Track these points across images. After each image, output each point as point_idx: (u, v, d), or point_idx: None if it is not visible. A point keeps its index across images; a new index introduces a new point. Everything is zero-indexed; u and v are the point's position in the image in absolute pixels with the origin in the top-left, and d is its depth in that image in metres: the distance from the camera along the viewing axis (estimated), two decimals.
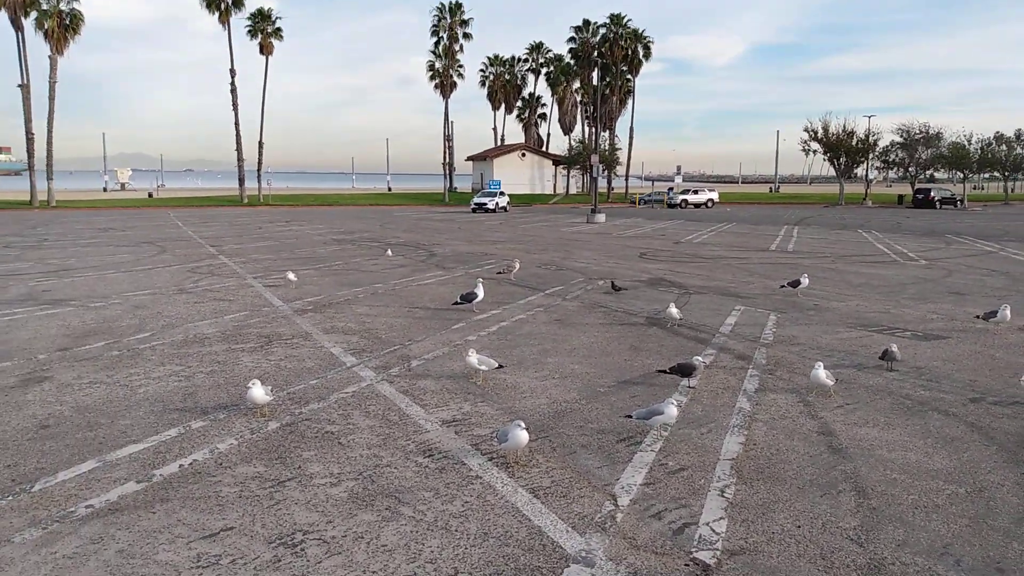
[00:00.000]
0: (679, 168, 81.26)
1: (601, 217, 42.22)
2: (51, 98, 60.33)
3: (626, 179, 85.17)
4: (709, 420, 7.20)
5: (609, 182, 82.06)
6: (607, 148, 77.56)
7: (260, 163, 71.99)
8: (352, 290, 15.71)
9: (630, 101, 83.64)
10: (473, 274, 18.27)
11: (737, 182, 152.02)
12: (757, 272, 19.15)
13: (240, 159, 69.48)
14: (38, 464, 5.87)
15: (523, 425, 5.84)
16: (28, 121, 60.80)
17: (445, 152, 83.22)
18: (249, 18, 67.15)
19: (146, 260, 21.79)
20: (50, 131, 60.89)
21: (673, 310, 11.95)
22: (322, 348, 10.17)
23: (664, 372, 8.46)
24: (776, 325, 12.09)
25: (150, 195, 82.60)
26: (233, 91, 66.97)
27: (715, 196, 66.80)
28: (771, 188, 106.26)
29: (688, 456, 6.24)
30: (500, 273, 17.64)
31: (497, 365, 8.37)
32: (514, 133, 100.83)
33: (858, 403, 7.74)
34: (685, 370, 8.27)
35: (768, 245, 27.00)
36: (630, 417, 6.71)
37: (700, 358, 8.37)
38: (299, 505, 5.17)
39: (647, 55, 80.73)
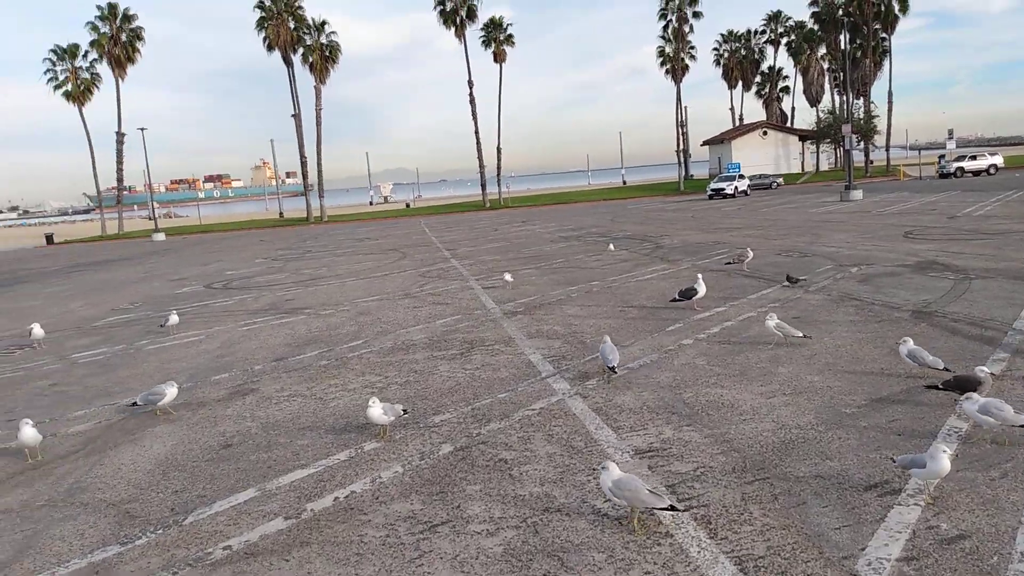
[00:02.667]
0: (951, 132, 70.50)
1: (857, 194, 37.59)
2: (318, 123, 67.18)
3: (886, 149, 75.85)
4: (1003, 459, 5.24)
5: (867, 155, 73.67)
6: (861, 117, 69.67)
7: (499, 168, 74.54)
8: (567, 289, 14.89)
9: (886, 63, 74.19)
10: (700, 267, 16.61)
11: None
12: None
13: (481, 165, 72.43)
14: (204, 491, 5.64)
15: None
16: (301, 147, 68.40)
17: (679, 139, 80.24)
18: (482, 29, 69.66)
19: (387, 266, 22.82)
20: (319, 154, 67.91)
21: (771, 322, 8.72)
22: (521, 355, 9.39)
23: (936, 388, 6.49)
24: None
25: (407, 205, 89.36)
26: (472, 101, 69.88)
27: (998, 161, 56.48)
28: None
29: (972, 515, 4.45)
30: (730, 263, 15.81)
31: (403, 411, 6.56)
32: (753, 112, 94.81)
33: None
34: (964, 385, 6.26)
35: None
36: (893, 461, 5.02)
37: (985, 369, 6.29)
38: (444, 560, 4.30)
39: (904, 8, 70.81)
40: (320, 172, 69.21)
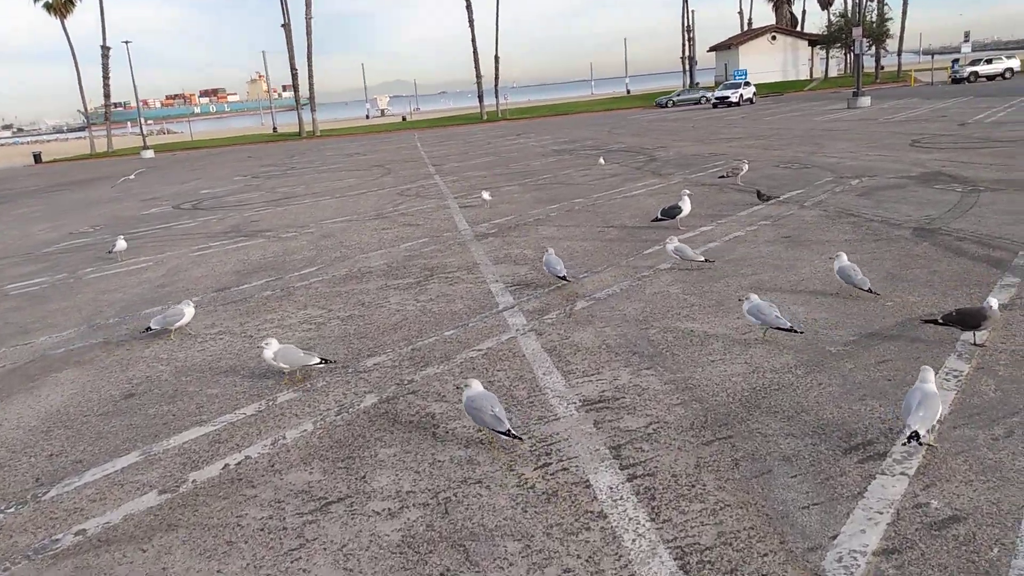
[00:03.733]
0: (967, 35, 67.24)
1: (865, 100, 35.87)
2: (308, 33, 64.31)
3: (898, 55, 72.68)
4: (1009, 412, 4.44)
5: (877, 60, 70.70)
6: (873, 20, 66.46)
7: (496, 79, 71.84)
8: (547, 207, 13.92)
9: None
10: (693, 181, 15.56)
11: None
12: None
13: (478, 76, 69.76)
14: (82, 454, 4.90)
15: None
16: (291, 58, 65.71)
17: (684, 45, 76.99)
18: None
19: (367, 184, 21.77)
20: (310, 66, 65.38)
21: (670, 245, 8.27)
22: (482, 284, 8.54)
23: (934, 322, 5.64)
24: None
25: (404, 119, 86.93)
26: (468, 7, 66.69)
27: (1014, 64, 53.81)
28: None
29: (969, 488, 3.68)
30: (723, 177, 14.76)
31: (319, 360, 5.75)
32: (762, 16, 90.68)
33: None
34: (967, 319, 5.42)
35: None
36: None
37: (993, 300, 5.43)
38: (327, 553, 3.56)
39: None
40: (311, 85, 66.81)
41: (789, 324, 5.75)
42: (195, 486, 4.30)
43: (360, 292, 8.68)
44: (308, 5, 63.03)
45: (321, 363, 5.75)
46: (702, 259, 8.33)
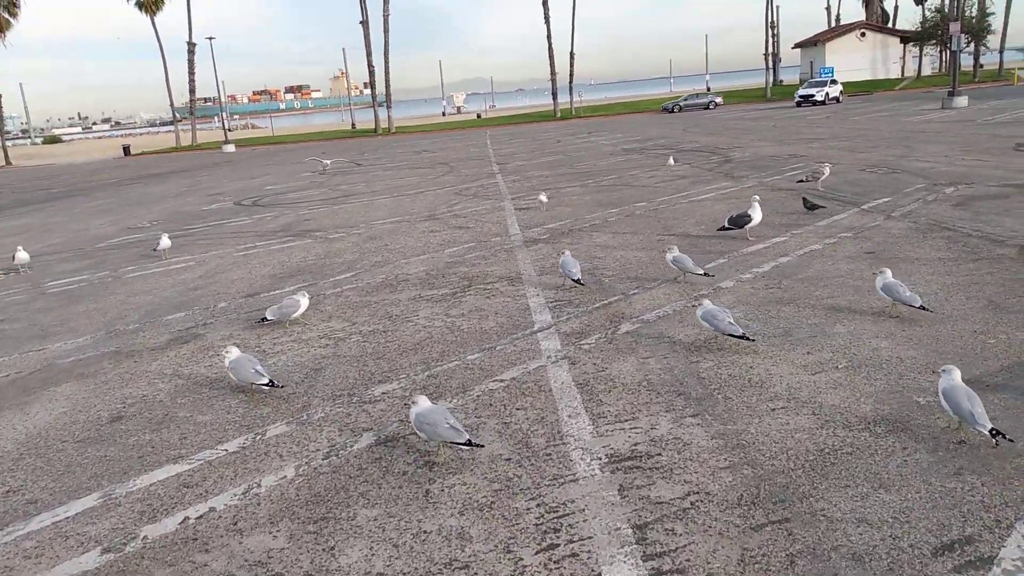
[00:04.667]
0: None
1: (962, 100, 33.38)
2: (385, 31, 64.72)
3: (1000, 51, 67.94)
4: None
5: (976, 58, 66.25)
6: (973, 15, 62.31)
7: (571, 75, 70.82)
8: (606, 211, 13.04)
9: None
10: (768, 184, 14.40)
11: None
12: None
13: (553, 73, 68.92)
14: (41, 492, 4.37)
15: None
16: (369, 55, 66.34)
17: (768, 42, 74.04)
18: None
19: (427, 182, 21.30)
20: (386, 62, 65.80)
21: (670, 255, 7.84)
22: (521, 299, 7.78)
23: None
24: None
25: (478, 116, 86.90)
26: (545, 4, 65.91)
27: None
28: None
29: None
30: (802, 181, 13.54)
31: (267, 382, 5.29)
32: (851, 12, 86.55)
33: None
34: None
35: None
36: None
37: None
38: None
39: None
40: (388, 82, 67.29)
41: (741, 331, 5.55)
42: (143, 545, 3.68)
43: (390, 303, 8.04)
44: (386, 2, 63.38)
45: (268, 386, 5.29)
46: (702, 272, 7.70)
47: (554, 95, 69.66)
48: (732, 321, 5.62)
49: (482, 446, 4.23)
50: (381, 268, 9.91)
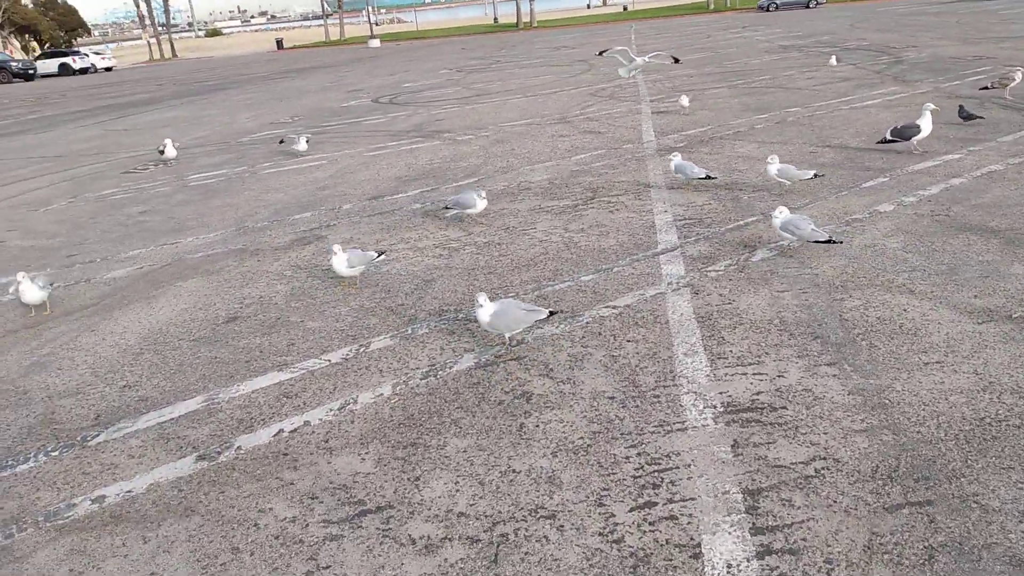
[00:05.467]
0: None
1: None
2: None
3: None
4: None
5: None
6: None
7: None
8: (754, 117, 11.96)
9: None
10: (945, 91, 12.68)
11: None
12: None
13: None
14: (153, 390, 4.50)
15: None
16: None
17: None
18: None
19: (563, 81, 20.53)
20: None
21: (773, 167, 7.22)
22: (646, 215, 7.25)
23: None
24: None
25: (625, 8, 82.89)
26: None
27: None
28: None
29: None
30: (987, 88, 11.76)
31: (377, 254, 5.75)
32: None
33: None
34: None
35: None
36: None
37: None
38: None
39: None
40: None
41: (827, 236, 5.36)
42: (236, 455, 3.70)
43: (510, 213, 7.73)
44: None
45: (380, 256, 5.76)
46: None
47: None
48: (815, 228, 5.45)
49: (559, 312, 4.50)
50: (504, 175, 9.57)
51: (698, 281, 5.46)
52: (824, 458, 3.33)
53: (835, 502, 3.05)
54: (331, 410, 4.06)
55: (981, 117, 9.63)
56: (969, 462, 3.23)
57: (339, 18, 75.89)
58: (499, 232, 7.11)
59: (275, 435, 3.86)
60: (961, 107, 9.71)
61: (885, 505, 3.01)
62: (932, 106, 8.36)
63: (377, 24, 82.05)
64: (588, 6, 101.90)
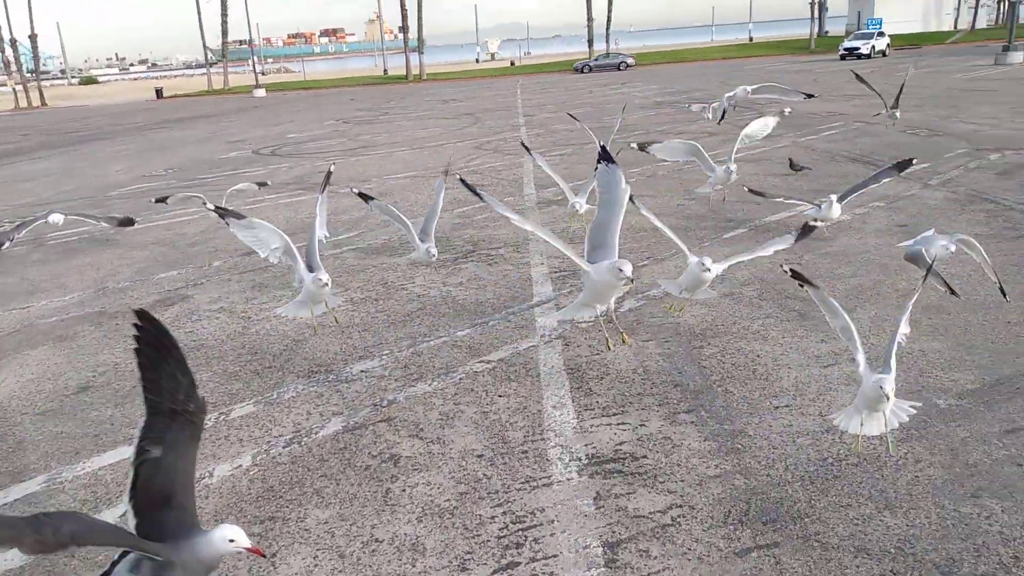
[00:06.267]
0: None
1: (1017, 56, 31.63)
2: None
3: None
4: None
5: None
6: None
7: (608, 22, 68.79)
8: (628, 171, 12.40)
9: None
10: (803, 144, 13.67)
11: None
12: None
13: (589, 19, 67.12)
14: None
15: None
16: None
17: None
18: None
19: (450, 134, 20.77)
20: (419, 6, 64.49)
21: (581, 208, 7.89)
22: (524, 267, 7.39)
23: None
24: None
25: (512, 63, 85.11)
26: None
27: None
28: None
29: None
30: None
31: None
32: None
33: None
34: None
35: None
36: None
37: None
38: None
39: None
40: (420, 26, 66.16)
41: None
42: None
43: (389, 268, 7.70)
44: None
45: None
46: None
47: (590, 43, 67.79)
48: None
49: None
50: (385, 228, 9.54)
51: (569, 332, 5.58)
52: (680, 506, 3.44)
53: (689, 550, 3.14)
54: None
55: (808, 168, 10.52)
56: (812, 502, 3.40)
57: (223, 67, 74.24)
58: (376, 287, 7.05)
59: (121, 516, 3.62)
60: (790, 160, 10.56)
61: (736, 550, 3.12)
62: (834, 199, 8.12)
63: (263, 73, 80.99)
64: (477, 60, 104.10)
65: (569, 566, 3.08)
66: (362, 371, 5.14)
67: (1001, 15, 69.14)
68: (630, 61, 57.30)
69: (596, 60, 58.66)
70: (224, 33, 71.58)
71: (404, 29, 68.46)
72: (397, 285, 7.09)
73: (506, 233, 8.81)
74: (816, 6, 70.69)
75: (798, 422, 4.11)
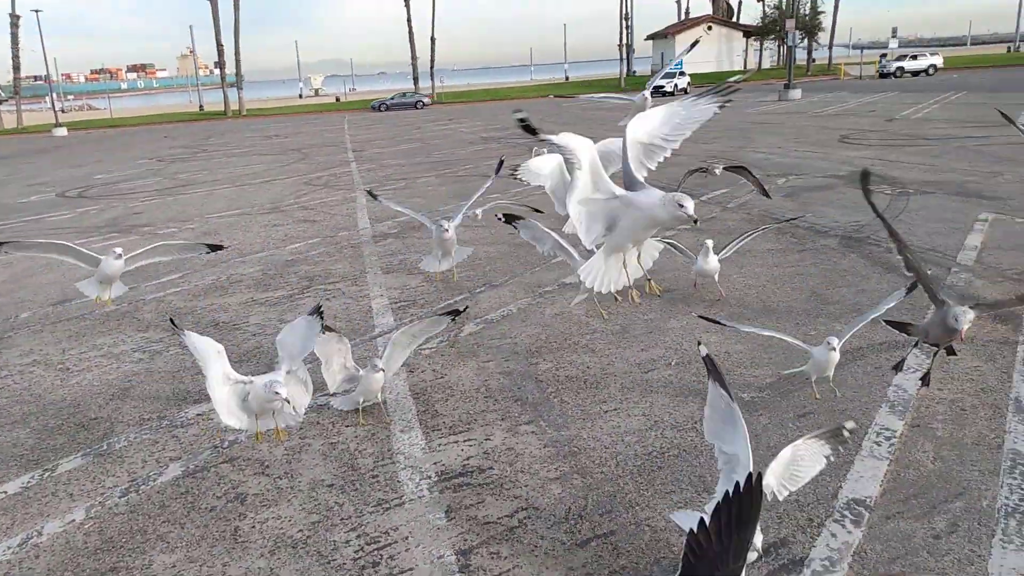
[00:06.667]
0: (894, 31, 68.61)
1: (796, 93, 35.82)
2: (236, 7, 61.46)
3: (830, 48, 73.73)
4: (953, 493, 3.61)
5: (809, 53, 71.47)
6: (807, 12, 67.06)
7: (432, 60, 70.03)
8: (461, 202, 12.82)
9: None
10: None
11: (965, 44, 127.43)
12: (1007, 158, 13.79)
13: (414, 57, 68.09)
14: None
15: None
16: (217, 33, 62.89)
17: (622, 32, 76.66)
18: None
19: (276, 170, 20.29)
20: (237, 41, 62.48)
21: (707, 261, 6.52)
22: (363, 300, 7.45)
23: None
24: None
25: (337, 99, 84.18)
26: None
27: (938, 61, 55.09)
28: (1009, 48, 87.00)
29: None
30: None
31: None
32: (700, 5, 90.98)
33: None
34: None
35: (1016, 117, 20.35)
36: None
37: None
38: None
39: None
40: (238, 61, 64.06)
41: None
42: None
43: (219, 308, 7.47)
44: None
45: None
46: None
47: (415, 80, 68.70)
48: None
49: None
50: (212, 268, 9.23)
51: (412, 359, 5.72)
52: (526, 508, 3.68)
53: (536, 547, 3.38)
54: (9, 549, 3.59)
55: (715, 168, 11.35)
56: (641, 492, 3.77)
57: (16, 104, 67.69)
58: (208, 329, 6.83)
59: None
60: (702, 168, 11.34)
61: (577, 541, 3.40)
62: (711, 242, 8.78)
63: (63, 111, 74.80)
64: (300, 96, 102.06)
65: None
66: (198, 415, 5.00)
67: (782, 57, 77.83)
68: (426, 100, 58.86)
69: (392, 99, 59.59)
70: (16, 68, 65.60)
71: (220, 64, 66.07)
72: (231, 325, 6.91)
73: (343, 268, 8.83)
74: (624, 47, 76.18)
75: (625, 423, 4.51)
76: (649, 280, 4.33)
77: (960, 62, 65.00)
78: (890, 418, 4.40)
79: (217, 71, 72.67)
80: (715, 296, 6.78)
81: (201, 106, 76.91)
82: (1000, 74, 47.05)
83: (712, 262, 6.59)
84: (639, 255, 4.08)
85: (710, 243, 6.61)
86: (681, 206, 3.67)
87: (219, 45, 63.53)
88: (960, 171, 12.78)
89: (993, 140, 16.29)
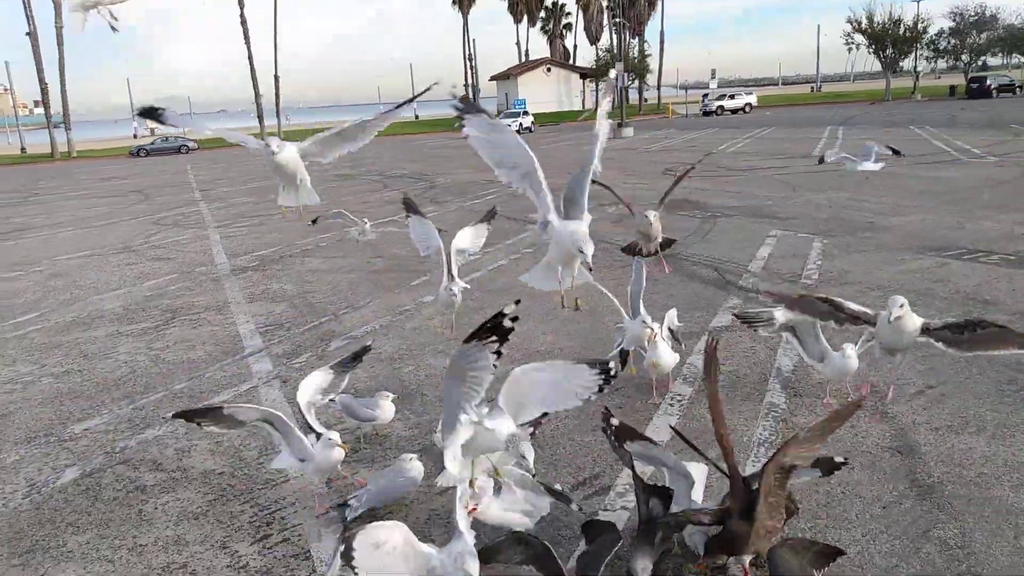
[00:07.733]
0: (714, 73, 75.68)
1: (629, 131, 38.95)
2: (59, 44, 58.24)
3: (658, 88, 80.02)
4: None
5: (640, 93, 77.21)
6: (635, 56, 72.54)
7: (277, 98, 69.12)
8: (318, 236, 13.39)
9: (660, 3, 77.90)
10: (467, 208, 15.79)
11: (777, 84, 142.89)
12: (799, 184, 16.17)
13: (257, 95, 66.97)
14: None
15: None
16: (40, 71, 59.00)
17: (467, 73, 79.32)
18: None
19: (120, 212, 19.81)
20: (62, 80, 59.05)
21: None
22: (230, 326, 7.92)
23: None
24: (822, 255, 9.46)
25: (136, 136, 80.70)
26: (243, 23, 63.88)
27: (753, 100, 61.78)
28: (812, 88, 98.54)
29: None
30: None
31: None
32: (540, 49, 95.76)
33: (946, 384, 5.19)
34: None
35: (810, 150, 23.59)
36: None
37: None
38: None
39: None
40: (65, 101, 60.41)
41: None
42: None
43: (85, 341, 7.70)
44: (58, 12, 56.87)
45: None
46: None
47: (260, 118, 67.53)
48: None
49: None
50: (71, 306, 9.31)
51: (285, 372, 6.35)
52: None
53: (413, 499, 4.16)
54: None
55: (497, 213, 12.42)
56: None
57: None
58: (77, 359, 7.09)
59: None
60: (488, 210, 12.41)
61: (431, 495, 4.21)
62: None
63: None
64: (135, 135, 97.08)
65: (313, 530, 3.92)
66: (85, 430, 5.39)
67: (616, 97, 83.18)
68: (191, 144, 56.88)
69: (154, 144, 57.72)
70: None
71: (45, 104, 62.13)
72: (100, 355, 7.20)
73: (205, 299, 9.21)
74: (471, 88, 78.75)
75: None
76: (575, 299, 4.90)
77: (772, 100, 72.69)
78: (683, 387, 5.57)
79: (37, 110, 67.91)
80: (554, 303, 7.85)
81: (23, 148, 71.48)
82: (805, 111, 53.19)
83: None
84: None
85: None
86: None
87: (42, 84, 59.69)
88: (760, 196, 14.86)
89: (791, 169, 18.89)
